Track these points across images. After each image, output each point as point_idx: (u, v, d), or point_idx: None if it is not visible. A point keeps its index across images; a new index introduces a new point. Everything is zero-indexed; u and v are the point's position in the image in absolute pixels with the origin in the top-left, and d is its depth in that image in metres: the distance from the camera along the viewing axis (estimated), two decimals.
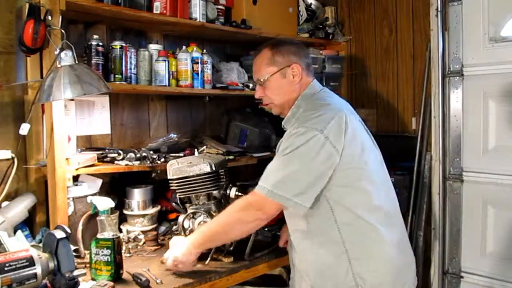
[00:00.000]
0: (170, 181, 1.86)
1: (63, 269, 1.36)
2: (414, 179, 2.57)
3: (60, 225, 1.50)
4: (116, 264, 1.57)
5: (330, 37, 2.90)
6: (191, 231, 1.80)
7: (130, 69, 1.98)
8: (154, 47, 2.13)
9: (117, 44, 1.94)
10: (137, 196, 2.06)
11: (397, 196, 1.65)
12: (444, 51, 2.41)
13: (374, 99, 2.90)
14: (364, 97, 2.95)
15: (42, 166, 1.83)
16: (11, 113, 1.88)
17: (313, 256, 1.54)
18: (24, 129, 1.71)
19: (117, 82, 1.93)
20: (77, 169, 1.81)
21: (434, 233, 2.49)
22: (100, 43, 1.89)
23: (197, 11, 2.16)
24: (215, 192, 1.87)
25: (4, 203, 1.77)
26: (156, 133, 2.40)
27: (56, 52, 1.59)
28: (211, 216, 1.79)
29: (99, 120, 2.17)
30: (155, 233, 2.00)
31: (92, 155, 1.90)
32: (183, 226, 1.82)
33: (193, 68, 2.17)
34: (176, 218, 1.95)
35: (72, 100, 1.91)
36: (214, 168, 1.83)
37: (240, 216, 1.51)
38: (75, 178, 1.89)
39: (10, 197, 1.81)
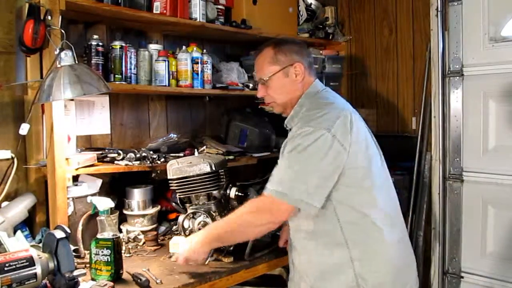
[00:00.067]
0: (170, 181, 1.86)
1: (63, 269, 1.36)
2: (414, 179, 2.57)
3: (60, 225, 1.50)
4: (116, 264, 1.57)
5: (330, 37, 2.90)
6: (191, 231, 1.80)
7: (130, 69, 1.98)
8: (154, 47, 2.13)
9: (117, 44, 1.94)
10: (137, 196, 2.06)
11: (397, 196, 1.64)
12: (444, 51, 2.42)
13: (374, 99, 2.90)
14: (364, 97, 2.95)
15: (42, 166, 1.83)
16: (11, 113, 1.88)
17: (317, 257, 1.54)
18: (24, 129, 1.70)
19: (117, 82, 1.93)
20: (77, 169, 1.81)
21: (434, 233, 2.49)
22: (100, 43, 1.89)
23: (197, 11, 2.15)
24: (215, 192, 1.86)
25: (4, 203, 1.77)
26: (156, 133, 2.39)
27: (56, 52, 1.59)
28: (211, 216, 1.79)
29: (99, 120, 2.17)
30: (155, 233, 2.00)
31: (92, 155, 1.90)
32: (183, 226, 1.82)
33: (193, 68, 2.17)
34: (176, 218, 1.95)
35: (72, 100, 1.91)
36: (214, 168, 1.83)
37: (251, 220, 1.49)
38: (75, 178, 1.89)
39: (10, 197, 1.81)
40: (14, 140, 1.85)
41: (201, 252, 1.57)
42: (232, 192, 1.90)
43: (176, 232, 2.01)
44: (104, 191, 1.98)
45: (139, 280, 1.54)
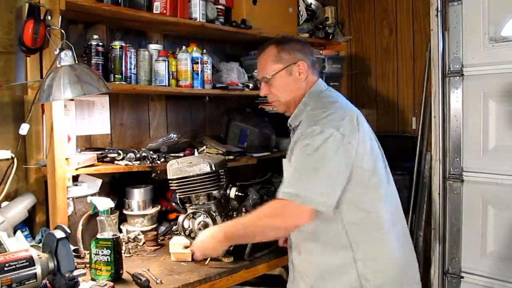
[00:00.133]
0: (170, 181, 1.86)
1: (63, 269, 1.36)
2: (414, 179, 2.57)
3: (60, 225, 1.50)
4: (116, 264, 1.57)
5: (330, 37, 2.90)
6: (191, 231, 1.80)
7: (130, 69, 1.98)
8: (154, 47, 2.13)
9: (117, 44, 1.94)
10: (137, 196, 2.06)
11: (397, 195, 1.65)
12: (444, 51, 2.42)
13: (374, 99, 2.90)
14: (364, 97, 2.95)
15: (42, 166, 1.83)
16: (11, 113, 1.88)
17: (317, 257, 1.54)
18: (24, 129, 1.70)
19: (117, 82, 1.93)
20: (77, 169, 1.81)
21: (434, 233, 2.49)
22: (100, 43, 1.89)
23: (197, 11, 2.15)
24: (215, 192, 1.86)
25: (4, 203, 1.77)
26: (156, 133, 2.39)
27: (56, 52, 1.59)
28: (211, 216, 1.79)
29: (99, 120, 2.17)
30: (155, 233, 2.00)
31: (92, 155, 1.90)
32: (183, 226, 1.82)
33: (193, 68, 2.16)
34: (176, 218, 1.95)
35: (72, 100, 1.91)
36: (214, 168, 1.83)
37: (273, 223, 1.46)
38: (75, 178, 1.89)
39: (10, 197, 1.81)
40: (14, 140, 1.85)
41: (219, 249, 1.61)
42: (232, 192, 1.90)
43: (176, 232, 2.01)
44: (104, 191, 1.98)
45: (139, 280, 1.54)
